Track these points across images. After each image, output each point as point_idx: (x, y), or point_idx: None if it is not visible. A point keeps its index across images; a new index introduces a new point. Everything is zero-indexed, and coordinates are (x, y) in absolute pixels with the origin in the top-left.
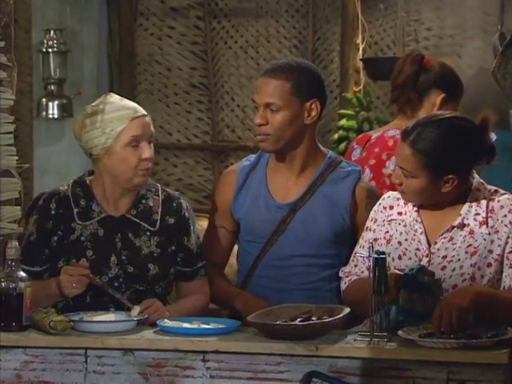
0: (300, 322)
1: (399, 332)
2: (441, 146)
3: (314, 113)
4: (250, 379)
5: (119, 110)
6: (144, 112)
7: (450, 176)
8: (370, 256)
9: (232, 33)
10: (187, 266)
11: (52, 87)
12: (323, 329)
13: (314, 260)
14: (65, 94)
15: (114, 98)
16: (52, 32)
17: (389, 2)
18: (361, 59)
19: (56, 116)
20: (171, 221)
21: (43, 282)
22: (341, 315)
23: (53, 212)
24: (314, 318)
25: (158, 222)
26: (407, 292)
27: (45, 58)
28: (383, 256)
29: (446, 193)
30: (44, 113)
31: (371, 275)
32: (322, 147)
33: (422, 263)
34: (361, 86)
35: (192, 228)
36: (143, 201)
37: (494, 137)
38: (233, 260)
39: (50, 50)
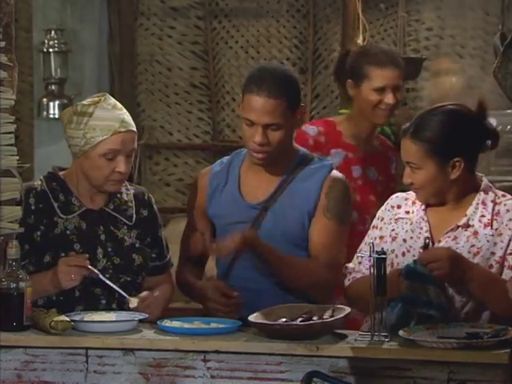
0: (301, 321)
1: (400, 332)
2: (442, 130)
3: (300, 118)
4: (251, 379)
5: (105, 120)
6: (130, 127)
7: (456, 159)
8: (370, 256)
9: (233, 33)
10: (160, 260)
11: (53, 87)
12: (324, 329)
13: None
14: (65, 94)
15: (109, 102)
16: (53, 32)
17: (389, 2)
18: None
19: (57, 116)
20: (145, 213)
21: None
22: (342, 315)
23: (33, 207)
24: (314, 318)
25: (134, 216)
26: (409, 282)
27: (45, 57)
28: (384, 256)
29: (456, 182)
30: (45, 113)
31: (371, 275)
32: (295, 144)
33: None
34: None
35: (160, 220)
36: (118, 195)
37: (494, 122)
38: (212, 264)
39: (50, 49)
